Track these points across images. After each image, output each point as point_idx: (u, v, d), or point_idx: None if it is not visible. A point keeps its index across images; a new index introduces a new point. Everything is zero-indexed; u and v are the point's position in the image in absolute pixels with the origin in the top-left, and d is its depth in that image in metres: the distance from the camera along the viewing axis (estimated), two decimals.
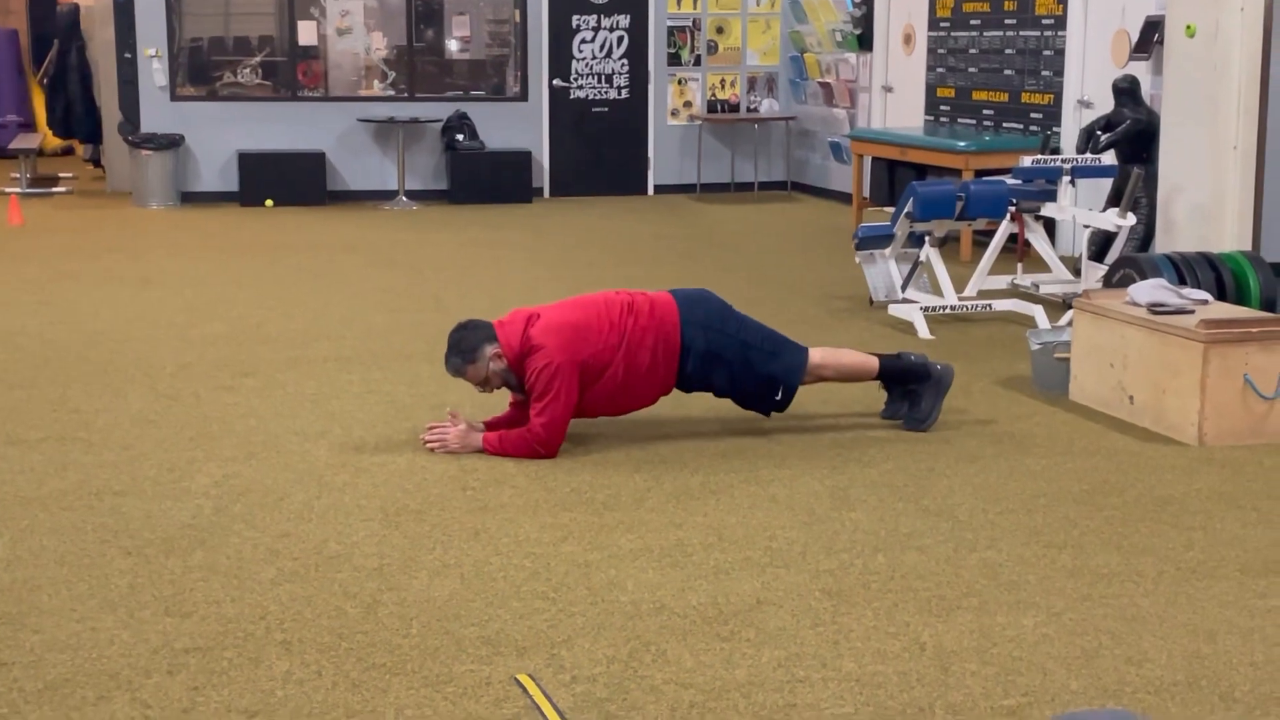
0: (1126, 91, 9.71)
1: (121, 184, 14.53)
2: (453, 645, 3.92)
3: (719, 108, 15.36)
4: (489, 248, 11.41)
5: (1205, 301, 6.38)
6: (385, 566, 4.51)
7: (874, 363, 6.17)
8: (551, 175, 15.01)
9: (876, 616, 4.12)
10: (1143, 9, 10.15)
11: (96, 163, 16.59)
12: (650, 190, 15.31)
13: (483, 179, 14.42)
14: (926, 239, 8.60)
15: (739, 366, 5.95)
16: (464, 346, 5.71)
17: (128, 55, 14.17)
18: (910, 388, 6.20)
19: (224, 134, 14.20)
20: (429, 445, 5.74)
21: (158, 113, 14.16)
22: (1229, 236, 8.63)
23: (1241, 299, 7.36)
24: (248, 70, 14.58)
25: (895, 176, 12.00)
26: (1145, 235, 9.22)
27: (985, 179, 9.16)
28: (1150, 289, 6.34)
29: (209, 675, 3.72)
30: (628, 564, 4.55)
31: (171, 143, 13.92)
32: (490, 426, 5.85)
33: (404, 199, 14.26)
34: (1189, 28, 8.85)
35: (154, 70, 14.12)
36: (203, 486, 5.29)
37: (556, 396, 5.64)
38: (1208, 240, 8.58)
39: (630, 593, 4.31)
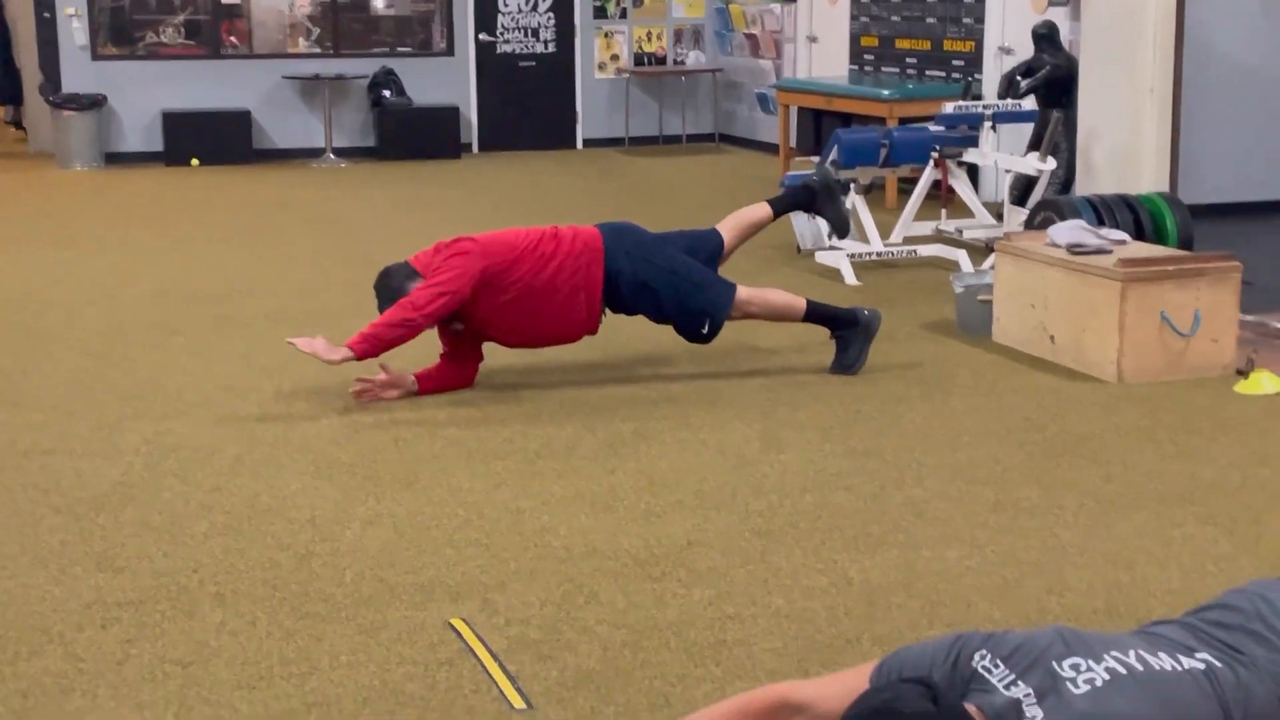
0: (1045, 38, 9.79)
1: (44, 146, 14.39)
2: (386, 592, 3.95)
3: (646, 60, 15.36)
4: (418, 204, 11.37)
5: (1123, 242, 6.48)
6: (318, 518, 4.52)
7: (801, 304, 6.21)
8: (480, 130, 14.97)
9: (805, 554, 4.18)
10: None
11: (18, 125, 16.37)
12: (579, 144, 15.31)
13: (410, 135, 14.37)
14: (852, 186, 8.65)
15: (667, 295, 5.96)
16: (390, 291, 5.74)
17: (46, 15, 13.95)
18: (839, 333, 6.26)
19: (147, 93, 14.02)
20: (360, 398, 5.76)
21: (79, 73, 13.96)
22: (1147, 178, 8.72)
23: (1160, 239, 7.45)
24: (170, 29, 14.39)
25: (821, 126, 12.05)
26: (1065, 179, 9.31)
27: (909, 126, 9.23)
28: (1069, 230, 6.43)
29: (141, 628, 3.73)
30: (560, 510, 4.58)
31: (94, 103, 13.74)
32: (420, 376, 5.87)
33: (331, 156, 14.17)
34: None
35: (74, 30, 13.92)
36: (133, 444, 5.27)
37: (447, 272, 5.67)
38: (1126, 182, 8.67)
39: (563, 537, 4.35)
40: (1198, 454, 5.06)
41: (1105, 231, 6.55)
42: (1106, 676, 2.36)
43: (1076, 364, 6.17)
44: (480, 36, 14.85)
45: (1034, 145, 9.57)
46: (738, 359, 6.31)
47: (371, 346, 5.61)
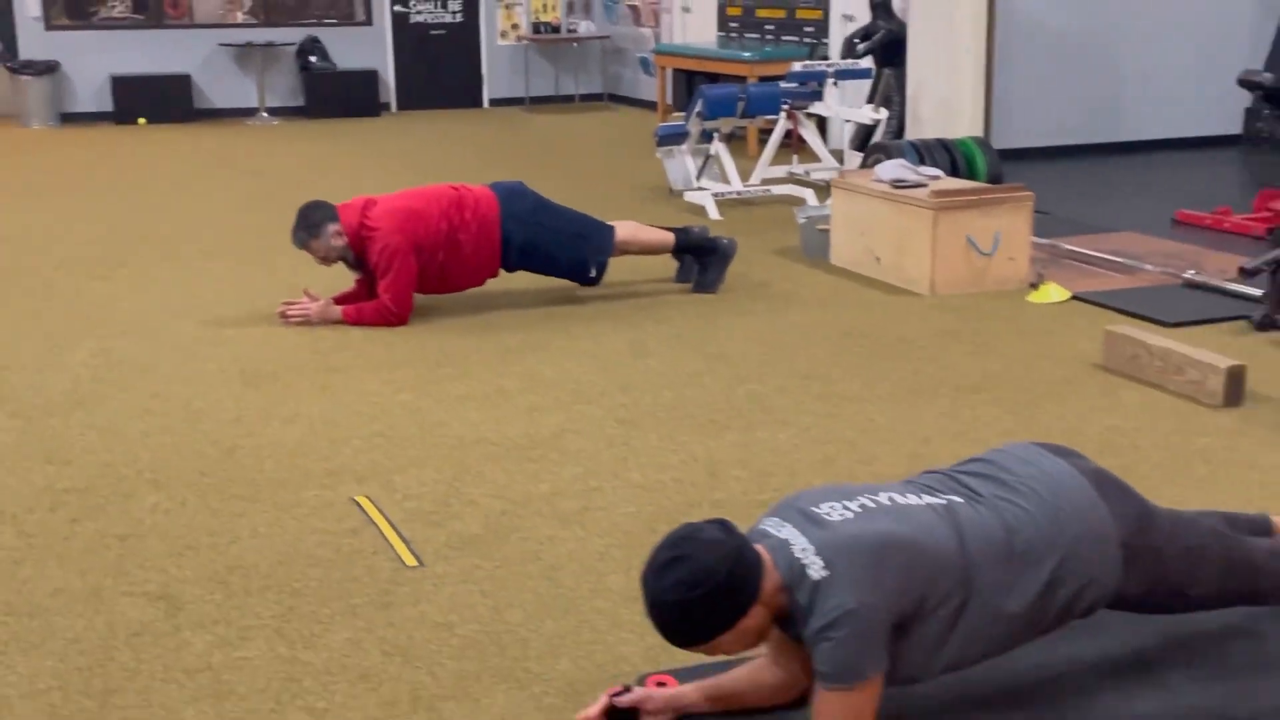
0: (881, 5, 9.85)
1: (5, 107, 14.00)
2: (300, 477, 4.01)
3: (542, 29, 15.22)
4: (342, 157, 11.25)
5: (937, 177, 6.62)
6: (243, 418, 4.56)
7: (671, 237, 6.31)
8: (397, 92, 14.78)
9: (659, 438, 4.30)
10: None
11: None
12: (485, 104, 15.17)
13: (335, 96, 14.18)
14: (715, 135, 8.73)
15: (556, 250, 6.03)
16: (309, 222, 5.70)
17: None
18: (701, 259, 6.36)
19: (97, 60, 13.71)
20: (290, 318, 5.74)
21: (34, 41, 13.63)
22: (964, 126, 8.90)
23: (972, 175, 7.64)
24: (118, 4, 14.06)
25: (692, 85, 12.02)
26: (898, 127, 9.44)
27: (764, 83, 9.29)
28: (893, 168, 6.55)
29: (86, 509, 3.77)
30: (454, 407, 4.66)
31: (48, 68, 13.43)
32: (339, 301, 5.87)
33: (264, 115, 13.98)
34: None
35: (27, 3, 13.58)
36: (81, 359, 5.25)
37: (399, 273, 5.69)
38: (947, 129, 8.83)
39: (455, 429, 4.43)
40: (993, 351, 5.24)
41: (923, 169, 6.69)
42: (859, 509, 2.46)
43: (897, 280, 6.33)
44: (395, 7, 14.65)
45: (870, 99, 9.74)
46: (612, 280, 6.38)
47: (354, 321, 5.73)
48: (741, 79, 10.20)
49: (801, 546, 2.40)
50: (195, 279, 6.66)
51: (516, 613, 3.14)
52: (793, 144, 9.38)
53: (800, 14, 11.56)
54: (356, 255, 5.76)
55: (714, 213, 8.20)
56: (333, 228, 5.68)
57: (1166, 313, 5.63)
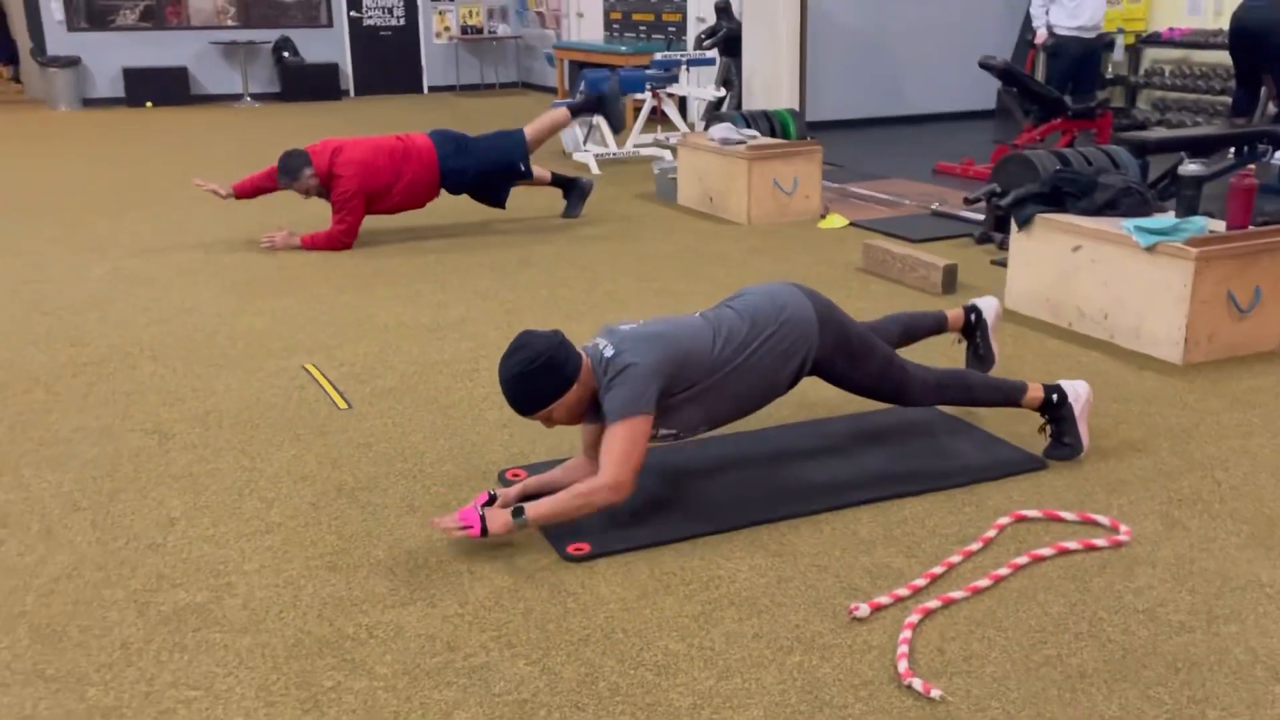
0: (723, 9, 10.09)
1: (36, 94, 13.76)
2: (263, 352, 4.22)
3: (469, 30, 15.19)
4: (311, 129, 11.19)
5: (755, 137, 6.86)
6: (222, 313, 4.74)
7: (564, 113, 6.42)
8: (354, 80, 14.68)
9: (535, 322, 4.54)
10: None
11: (17, 80, 15.56)
12: (425, 90, 15.12)
13: (304, 84, 14.06)
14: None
15: (488, 167, 6.11)
16: (290, 168, 5.80)
17: None
18: (567, 193, 6.60)
19: (112, 55, 13.47)
20: (263, 246, 5.90)
21: (59, 40, 13.34)
22: (784, 100, 9.15)
23: (785, 136, 7.87)
24: (126, 10, 13.78)
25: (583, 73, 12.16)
26: (737, 103, 9.69)
27: (634, 69, 9.43)
28: (722, 130, 6.78)
29: (99, 375, 3.96)
30: (382, 304, 4.86)
31: (71, 62, 13.19)
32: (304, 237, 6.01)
33: (248, 99, 13.84)
34: None
35: (52, 9, 13.28)
36: (98, 274, 5.38)
37: (351, 211, 5.84)
38: (771, 103, 9.07)
39: (382, 319, 4.64)
40: (787, 261, 5.54)
41: (745, 131, 6.92)
42: (641, 322, 2.87)
43: (724, 214, 6.62)
44: (351, 13, 14.53)
45: (716, 81, 9.97)
46: (511, 217, 6.59)
47: (310, 246, 5.84)
48: (617, 67, 10.29)
49: (603, 344, 2.80)
50: (191, 217, 6.75)
51: (417, 436, 3.40)
52: (657, 117, 9.58)
53: (666, 16, 11.70)
54: (326, 190, 5.89)
55: (594, 168, 8.40)
56: (307, 171, 5.81)
57: (914, 232, 5.99)
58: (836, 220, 6.35)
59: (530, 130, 6.28)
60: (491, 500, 2.82)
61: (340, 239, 5.86)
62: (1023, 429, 3.31)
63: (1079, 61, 8.21)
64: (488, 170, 6.15)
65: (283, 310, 4.76)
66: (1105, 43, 8.73)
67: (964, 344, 3.65)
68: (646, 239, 6.09)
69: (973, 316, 3.57)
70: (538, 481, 2.92)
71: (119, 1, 13.73)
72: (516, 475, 3.09)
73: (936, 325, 3.48)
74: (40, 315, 4.69)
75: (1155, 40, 9.65)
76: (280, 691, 2.16)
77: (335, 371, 3.98)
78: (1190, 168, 4.13)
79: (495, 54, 15.35)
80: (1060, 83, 8.21)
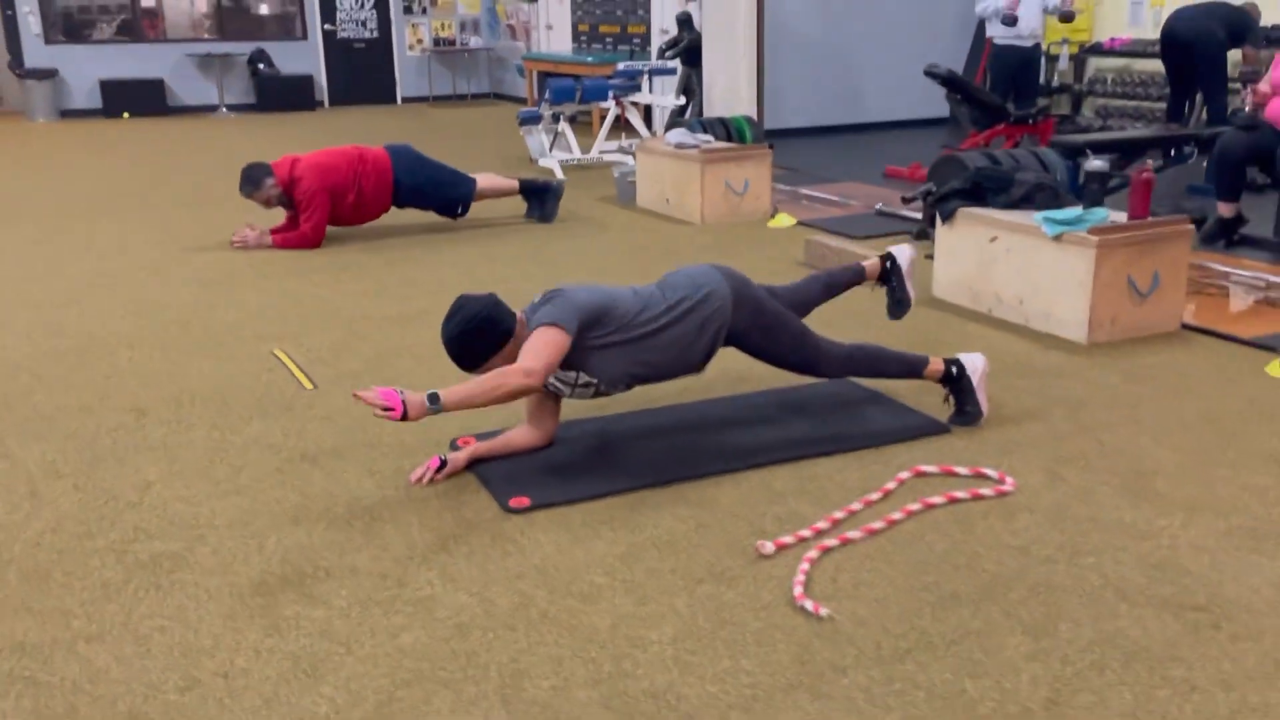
0: (685, 21, 10.40)
1: (14, 105, 13.95)
2: (235, 340, 4.47)
3: (441, 43, 15.47)
4: (283, 139, 11.45)
5: (709, 142, 7.16)
6: (196, 306, 4.98)
7: (515, 184, 6.79)
8: (329, 91, 14.95)
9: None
10: None
11: None
12: (399, 100, 15.40)
13: (279, 95, 14.32)
14: (561, 117, 9.19)
15: (433, 192, 6.47)
16: (251, 178, 6.09)
17: (9, 11, 13.46)
18: (540, 197, 6.87)
19: (88, 67, 13.71)
20: (234, 244, 6.15)
21: (36, 53, 13.58)
22: (743, 108, 9.45)
23: (741, 141, 8.16)
24: (103, 24, 13.99)
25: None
26: (698, 109, 9.99)
27: (597, 78, 9.72)
28: (677, 135, 7.08)
29: (80, 362, 4.19)
30: (350, 296, 5.11)
31: (49, 74, 13.40)
32: (274, 231, 6.28)
33: (224, 110, 14.09)
34: None
35: (30, 22, 13.49)
36: (76, 272, 5.61)
37: (315, 210, 6.11)
38: (730, 110, 9.35)
39: (349, 310, 4.88)
40: (734, 258, 5.81)
41: (699, 136, 7.22)
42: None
43: (679, 215, 6.91)
44: (325, 26, 14.81)
45: (678, 90, 10.27)
46: (479, 219, 6.86)
47: (282, 245, 6.11)
48: (580, 76, 10.58)
49: (535, 299, 3.09)
50: (166, 220, 6.98)
51: None
52: (621, 124, 9.87)
53: (631, 29, 12.01)
54: (289, 198, 6.17)
55: (559, 173, 8.67)
56: (269, 180, 6.08)
57: (857, 229, 6.30)
58: (785, 220, 6.65)
59: (483, 183, 6.63)
60: (442, 465, 3.10)
61: (310, 236, 6.12)
62: (931, 400, 3.60)
63: (1018, 69, 8.55)
64: (430, 197, 6.51)
65: (255, 303, 5.01)
66: (1043, 51, 9.07)
67: (883, 289, 3.89)
68: (603, 238, 6.36)
69: (888, 264, 3.81)
70: (485, 446, 3.19)
71: (96, 15, 13.96)
72: (466, 442, 3.36)
73: (856, 276, 3.74)
74: (21, 309, 4.93)
75: (1098, 50, 10.03)
76: (245, 619, 2.43)
77: (303, 357, 4.23)
78: (1094, 164, 4.45)
79: (467, 65, 15.63)
80: (1002, 90, 8.55)
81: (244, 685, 2.19)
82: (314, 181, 6.07)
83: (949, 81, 8.12)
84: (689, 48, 10.18)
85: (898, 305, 3.83)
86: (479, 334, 2.98)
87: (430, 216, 6.71)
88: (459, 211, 6.61)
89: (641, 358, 3.15)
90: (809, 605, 2.43)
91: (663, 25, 11.33)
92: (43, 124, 13.16)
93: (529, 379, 2.89)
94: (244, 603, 2.49)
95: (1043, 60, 10.67)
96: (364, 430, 3.50)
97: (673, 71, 9.96)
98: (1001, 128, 8.30)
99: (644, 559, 2.67)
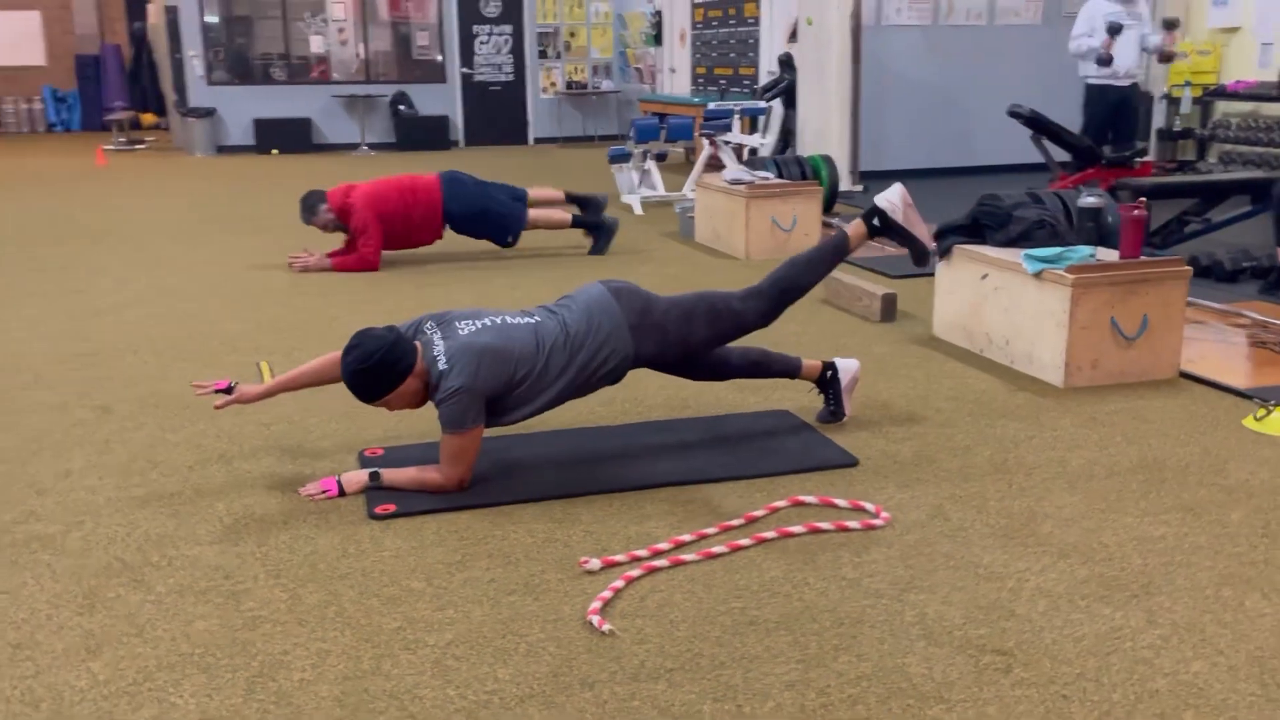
0: (785, 62, 10.42)
1: (178, 141, 15.01)
2: (230, 350, 4.70)
3: (573, 86, 15.89)
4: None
5: (767, 178, 7.13)
6: (215, 320, 5.23)
7: (568, 218, 6.91)
8: (465, 132, 15.51)
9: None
10: (794, 10, 10.76)
11: (164, 129, 16.98)
12: (531, 141, 15.85)
13: (418, 134, 14.93)
14: (648, 154, 9.31)
15: (482, 221, 6.65)
16: (307, 205, 6.40)
17: (177, 56, 14.56)
18: (594, 233, 6.98)
19: (244, 106, 14.62)
20: (294, 267, 6.48)
21: (199, 93, 14.59)
22: (834, 149, 9.40)
23: (817, 180, 8.09)
24: (258, 66, 14.98)
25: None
26: (783, 149, 9.99)
27: (683, 117, 9.76)
28: (734, 171, 7.09)
29: (85, 365, 4.49)
30: (365, 319, 5.26)
31: (208, 113, 14.40)
32: (331, 255, 6.57)
33: (365, 148, 14.78)
34: (809, 20, 9.57)
35: (194, 65, 14.55)
36: (136, 288, 5.98)
37: (371, 235, 6.36)
38: (821, 150, 9.33)
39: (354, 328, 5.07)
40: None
41: (757, 173, 7.20)
42: (477, 325, 3.13)
43: (727, 250, 6.90)
44: (463, 69, 15.42)
45: (781, 134, 10.26)
46: (530, 248, 7.00)
47: (339, 268, 6.40)
48: (693, 117, 10.63)
49: (438, 348, 3.09)
50: (257, 245, 7.35)
51: (314, 419, 3.80)
52: (714, 163, 9.91)
53: (742, 70, 12.09)
54: (344, 224, 6.47)
55: (638, 210, 8.79)
56: (323, 207, 6.40)
57: (895, 269, 6.16)
58: None
59: (533, 215, 6.75)
60: (341, 492, 3.18)
61: (369, 259, 6.39)
62: (860, 434, 3.50)
63: (1113, 109, 8.19)
64: (480, 226, 6.66)
65: (267, 318, 5.27)
66: (1140, 91, 8.67)
67: (819, 395, 3.76)
68: (644, 270, 6.39)
69: (829, 373, 3.70)
70: (396, 475, 3.25)
71: (254, 59, 14.95)
72: (375, 453, 3.46)
73: (787, 370, 3.65)
74: (64, 318, 5.32)
75: (1221, 93, 9.51)
76: (69, 598, 2.57)
77: (284, 367, 4.41)
78: (1089, 200, 4.24)
79: (596, 108, 15.99)
80: (1097, 131, 8.21)
81: (26, 656, 2.32)
82: (367, 211, 6.34)
83: (1033, 122, 7.85)
84: (786, 88, 10.17)
85: (830, 416, 3.69)
86: (373, 374, 3.02)
87: (478, 247, 6.89)
88: (509, 241, 6.77)
89: (548, 398, 3.16)
90: (594, 620, 2.40)
91: (769, 67, 11.35)
92: (200, 159, 14.11)
93: (454, 487, 3.09)
94: (79, 583, 2.64)
95: (1162, 103, 10.20)
96: (291, 436, 3.64)
97: (762, 111, 9.97)
98: (1092, 171, 7.96)
99: (470, 568, 2.69)
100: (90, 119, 18.13)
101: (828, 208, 8.15)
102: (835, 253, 3.50)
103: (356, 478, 3.12)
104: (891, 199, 3.48)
